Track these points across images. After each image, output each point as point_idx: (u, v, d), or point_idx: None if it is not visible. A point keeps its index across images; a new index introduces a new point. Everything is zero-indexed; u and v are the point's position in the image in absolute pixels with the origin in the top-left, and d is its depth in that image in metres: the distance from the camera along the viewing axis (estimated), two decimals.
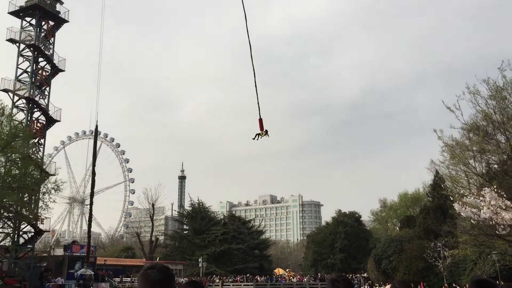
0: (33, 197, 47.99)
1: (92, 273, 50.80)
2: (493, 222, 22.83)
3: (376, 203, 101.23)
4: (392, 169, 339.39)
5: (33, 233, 49.45)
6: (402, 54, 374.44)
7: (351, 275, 58.42)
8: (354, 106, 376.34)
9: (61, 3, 57.00)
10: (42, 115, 53.12)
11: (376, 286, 47.55)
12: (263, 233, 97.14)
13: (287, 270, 77.30)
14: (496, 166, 36.96)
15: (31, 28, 54.56)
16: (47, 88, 54.17)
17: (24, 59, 53.80)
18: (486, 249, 36.77)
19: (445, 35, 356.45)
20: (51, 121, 53.43)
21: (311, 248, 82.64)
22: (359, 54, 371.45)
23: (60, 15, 56.25)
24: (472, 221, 25.42)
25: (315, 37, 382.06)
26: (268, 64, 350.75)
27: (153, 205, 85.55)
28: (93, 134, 67.09)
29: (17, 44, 53.45)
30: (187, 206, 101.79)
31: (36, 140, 51.30)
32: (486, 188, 23.03)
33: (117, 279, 59.79)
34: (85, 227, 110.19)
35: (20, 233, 49.04)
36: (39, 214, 47.50)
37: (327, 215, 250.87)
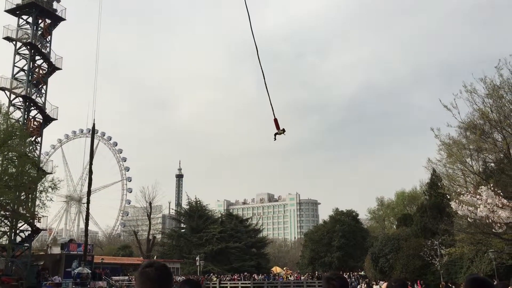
0: (30, 196, 47.91)
1: (90, 271, 50.74)
2: (490, 220, 22.91)
3: (373, 202, 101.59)
4: (389, 168, 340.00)
5: (30, 232, 49.38)
6: (400, 52, 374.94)
7: (348, 273, 58.55)
8: (351, 105, 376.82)
9: (58, 1, 56.83)
10: (39, 114, 53.01)
11: (373, 284, 47.67)
12: (260, 231, 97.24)
13: (284, 268, 77.30)
14: (493, 164, 37.07)
15: (27, 26, 54.41)
16: (44, 87, 54.04)
17: (21, 57, 53.67)
18: (482, 247, 36.87)
19: (442, 33, 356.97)
20: (48, 120, 53.34)
21: (308, 247, 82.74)
22: (357, 53, 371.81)
23: (57, 13, 56.09)
24: (469, 219, 25.48)
25: (313, 35, 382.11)
26: (267, 63, 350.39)
27: (150, 203, 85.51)
28: (90, 132, 66.99)
29: (14, 42, 53.30)
30: (184, 204, 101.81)
31: (33, 139, 51.20)
32: (482, 187, 23.10)
33: (117, 278, 59.76)
34: (82, 225, 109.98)
35: (17, 231, 48.98)
36: (36, 213, 47.46)
37: (324, 214, 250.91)
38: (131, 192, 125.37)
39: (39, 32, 54.50)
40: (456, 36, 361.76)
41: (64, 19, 56.68)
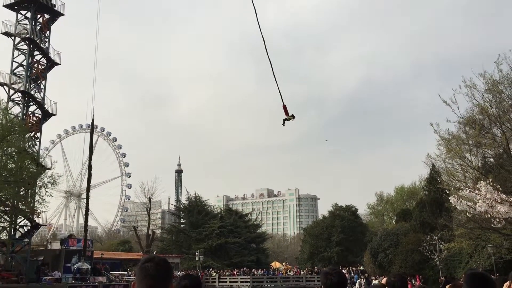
0: (29, 191, 47.93)
1: (89, 266, 50.84)
2: (489, 215, 22.96)
3: (373, 197, 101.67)
4: (388, 163, 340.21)
5: (29, 227, 49.44)
6: (400, 48, 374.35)
7: (347, 268, 58.65)
8: (351, 100, 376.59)
9: None
10: (38, 109, 52.96)
11: (372, 279, 47.74)
12: (259, 226, 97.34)
13: (283, 263, 77.43)
14: (492, 159, 37.11)
15: (26, 21, 54.27)
16: (43, 82, 53.97)
17: (20, 53, 53.55)
18: (481, 242, 36.98)
19: (442, 29, 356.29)
20: (47, 115, 53.28)
21: (307, 242, 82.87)
22: (357, 48, 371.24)
23: (55, 8, 55.94)
24: (467, 214, 25.53)
25: (313, 31, 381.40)
26: (264, 59, 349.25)
27: (149, 199, 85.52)
28: (90, 128, 66.92)
29: (12, 38, 53.18)
30: (184, 200, 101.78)
31: (32, 134, 51.17)
32: (481, 182, 23.11)
33: (116, 273, 59.85)
34: (81, 221, 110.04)
35: (17, 227, 49.02)
36: (35, 208, 47.50)
37: (323, 209, 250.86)
38: (130, 187, 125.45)
39: (38, 27, 54.37)
40: (456, 31, 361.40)
41: (63, 14, 56.55)
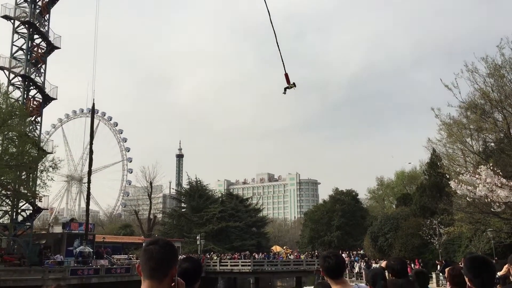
0: (30, 175, 48.07)
1: (91, 250, 51.19)
2: (489, 199, 23.00)
3: (373, 181, 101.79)
4: (389, 147, 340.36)
5: (31, 211, 49.67)
6: (402, 32, 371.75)
7: (348, 252, 59.01)
8: (352, 84, 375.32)
9: None
10: (38, 93, 52.80)
11: (372, 262, 48.04)
12: (260, 211, 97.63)
13: (284, 247, 77.78)
14: (493, 144, 37.09)
15: (25, 4, 53.77)
16: (43, 66, 53.73)
17: (19, 36, 53.20)
18: (481, 227, 37.07)
19: (444, 12, 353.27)
20: (47, 99, 53.15)
21: (308, 226, 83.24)
22: (358, 32, 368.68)
23: None
24: (467, 198, 25.56)
25: (314, 14, 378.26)
26: (268, 42, 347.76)
27: (151, 183, 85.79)
28: (91, 112, 66.85)
29: (12, 21, 52.76)
30: (185, 184, 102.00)
31: (33, 118, 51.11)
32: (482, 166, 23.12)
33: (118, 256, 60.32)
34: (83, 205, 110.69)
35: (19, 210, 49.26)
36: (37, 192, 47.64)
37: (324, 193, 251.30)
38: (131, 172, 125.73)
39: (38, 11, 53.93)
40: (458, 14, 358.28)
41: None
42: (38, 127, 52.90)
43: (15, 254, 45.70)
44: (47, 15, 55.02)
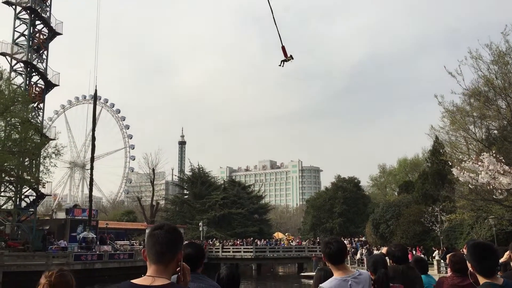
0: (33, 161, 48.22)
1: (94, 236, 51.55)
2: (491, 187, 22.96)
3: (376, 169, 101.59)
4: (392, 135, 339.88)
5: (34, 197, 49.91)
6: (406, 19, 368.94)
7: (349, 239, 59.24)
8: (355, 72, 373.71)
9: None
10: (40, 79, 52.74)
11: (373, 249, 48.24)
12: (262, 198, 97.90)
13: (286, 234, 78.14)
14: (496, 131, 36.95)
15: None
16: (45, 52, 53.58)
17: (21, 22, 52.95)
18: (483, 214, 37.10)
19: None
20: (49, 85, 53.08)
21: (310, 213, 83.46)
22: (362, 20, 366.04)
23: None
24: (470, 186, 25.55)
25: (318, 1, 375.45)
26: (270, 29, 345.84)
27: (153, 170, 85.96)
28: (93, 99, 66.83)
29: (14, 7, 52.48)
30: (187, 171, 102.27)
31: (35, 105, 51.11)
32: (484, 153, 23.07)
33: (121, 242, 60.75)
34: (86, 191, 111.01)
35: (22, 196, 49.51)
36: (40, 178, 47.82)
37: (326, 181, 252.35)
38: (134, 159, 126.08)
39: None
40: (463, 1, 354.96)
41: None
42: (41, 113, 52.94)
43: (19, 240, 46.03)
44: (49, 1, 54.71)
